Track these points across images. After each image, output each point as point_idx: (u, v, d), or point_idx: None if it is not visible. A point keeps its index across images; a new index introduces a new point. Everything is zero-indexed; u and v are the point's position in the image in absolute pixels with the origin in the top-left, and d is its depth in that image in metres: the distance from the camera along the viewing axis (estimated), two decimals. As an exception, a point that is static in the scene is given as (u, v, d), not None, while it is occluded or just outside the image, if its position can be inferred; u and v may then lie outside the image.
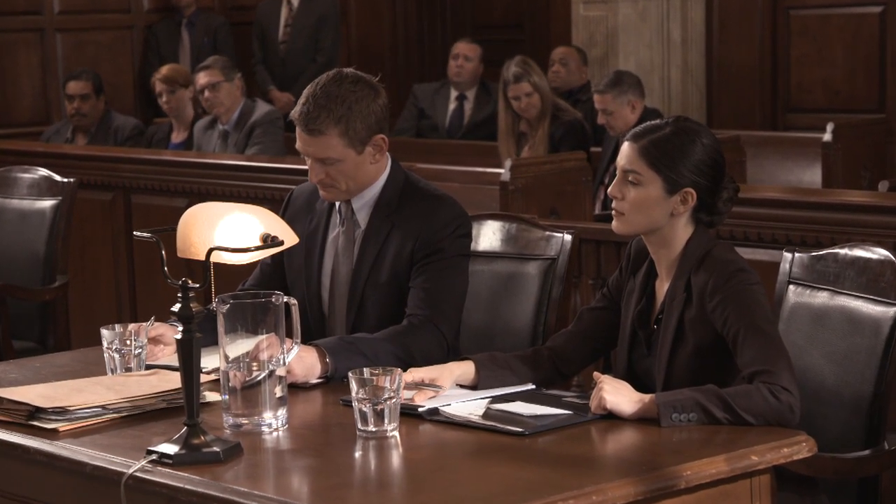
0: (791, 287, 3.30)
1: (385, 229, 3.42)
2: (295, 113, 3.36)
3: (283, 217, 3.50)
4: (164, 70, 7.71)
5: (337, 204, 3.49)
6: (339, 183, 3.38)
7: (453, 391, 3.01)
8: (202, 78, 7.20)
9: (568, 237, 3.57)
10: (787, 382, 2.80)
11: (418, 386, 2.97)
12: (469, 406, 2.91)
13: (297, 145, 3.40)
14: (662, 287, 3.07)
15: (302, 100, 3.35)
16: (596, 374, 2.92)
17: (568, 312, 3.62)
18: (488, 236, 3.66)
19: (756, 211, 4.44)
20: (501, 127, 6.95)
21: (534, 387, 3.08)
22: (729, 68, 8.93)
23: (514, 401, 2.95)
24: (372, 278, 3.42)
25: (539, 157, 6.41)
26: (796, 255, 3.32)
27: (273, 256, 3.46)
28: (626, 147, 3.04)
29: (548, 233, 3.61)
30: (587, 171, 6.06)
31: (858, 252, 3.19)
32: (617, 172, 3.06)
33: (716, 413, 2.76)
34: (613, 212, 3.05)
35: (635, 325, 3.10)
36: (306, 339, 3.25)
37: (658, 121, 3.08)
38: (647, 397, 2.81)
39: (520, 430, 2.74)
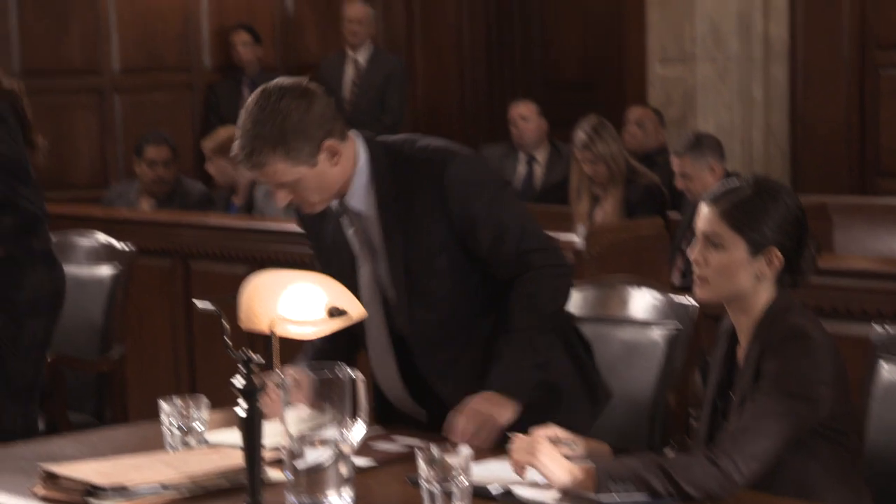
0: (883, 363, 3.26)
1: (399, 213, 3.39)
2: (233, 151, 3.33)
3: (307, 230, 3.58)
4: (204, 141, 7.79)
5: (334, 206, 3.44)
6: (310, 197, 3.35)
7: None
8: None
9: (696, 305, 3.57)
10: (740, 458, 2.78)
11: (556, 441, 2.98)
12: (545, 492, 2.89)
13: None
14: (742, 354, 3.06)
15: (236, 135, 3.32)
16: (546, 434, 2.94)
17: (690, 384, 3.60)
18: (615, 300, 3.65)
19: (844, 282, 4.41)
20: (572, 187, 6.95)
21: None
22: (814, 130, 8.89)
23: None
24: (415, 266, 3.40)
25: (615, 223, 6.41)
26: (888, 328, 3.28)
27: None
28: (705, 209, 3.04)
29: (676, 299, 3.61)
30: (665, 238, 6.05)
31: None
32: (697, 237, 3.06)
33: (655, 484, 2.75)
34: (696, 278, 3.05)
35: (715, 395, 3.09)
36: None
37: (735, 181, 3.08)
38: (585, 468, 2.80)
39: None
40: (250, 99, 3.33)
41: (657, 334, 3.58)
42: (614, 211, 6.73)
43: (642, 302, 3.65)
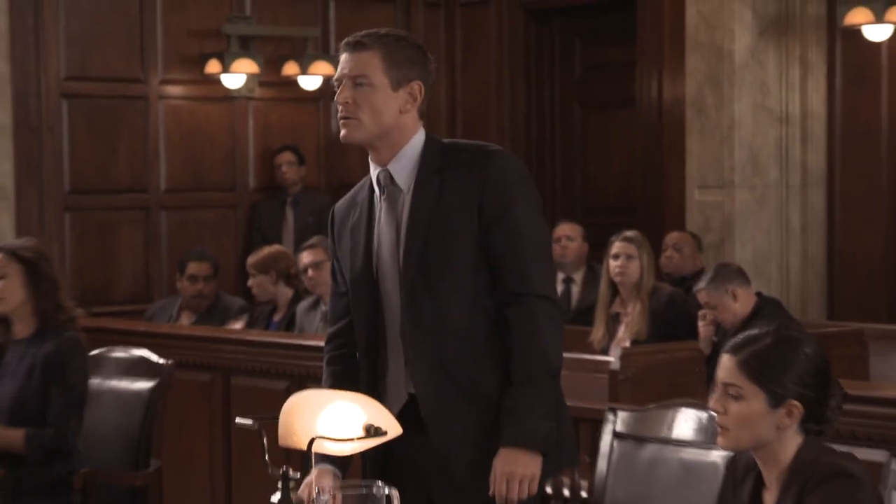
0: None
1: (434, 185, 3.43)
2: (342, 43, 3.45)
3: (332, 233, 3.61)
4: (249, 258, 7.90)
5: (374, 173, 3.49)
6: (363, 112, 3.40)
7: None
8: (306, 257, 7.34)
9: None
10: None
11: None
12: None
13: (335, 76, 3.45)
14: (770, 498, 3.03)
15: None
16: None
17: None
18: (681, 424, 3.64)
19: (879, 410, 4.39)
20: (601, 295, 6.92)
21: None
22: (852, 257, 8.90)
23: None
24: (432, 237, 3.41)
25: (651, 347, 6.42)
26: None
27: (339, 283, 3.57)
28: (725, 359, 3.03)
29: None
30: (699, 362, 6.06)
31: None
32: (717, 385, 3.04)
33: None
34: (717, 426, 3.04)
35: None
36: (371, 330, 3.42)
37: (757, 331, 3.06)
38: None
39: None
40: None
41: (717, 456, 3.53)
42: (641, 324, 6.68)
43: (699, 423, 3.62)
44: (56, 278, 4.94)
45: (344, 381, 3.54)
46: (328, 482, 3.30)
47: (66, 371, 4.81)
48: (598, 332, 6.73)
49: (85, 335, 4.98)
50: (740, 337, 3.06)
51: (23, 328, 4.93)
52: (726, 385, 3.01)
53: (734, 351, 3.02)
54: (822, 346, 3.06)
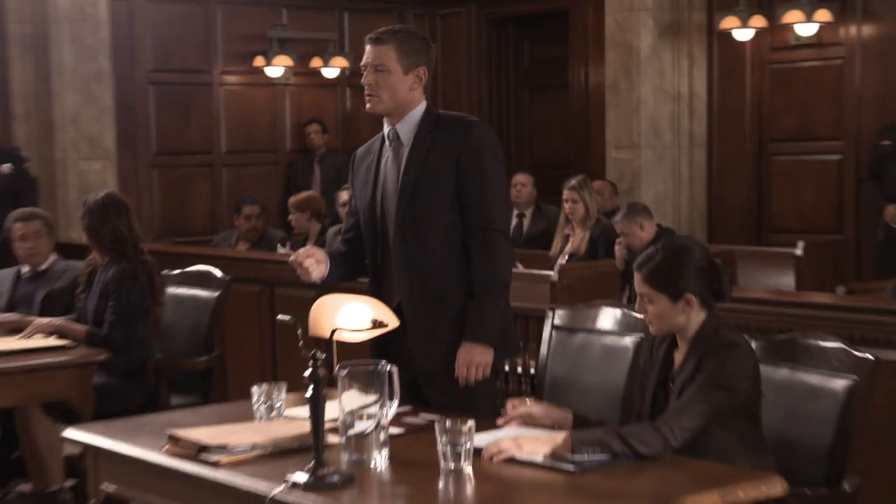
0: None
1: (427, 142, 3.45)
2: (367, 38, 3.47)
3: (351, 170, 3.64)
4: (291, 199, 7.89)
5: (385, 130, 3.52)
6: (382, 92, 3.41)
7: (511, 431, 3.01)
8: (344, 195, 7.40)
9: None
10: (677, 428, 2.81)
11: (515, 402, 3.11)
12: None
13: (361, 63, 3.47)
14: (679, 356, 3.07)
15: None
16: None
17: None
18: (603, 318, 3.64)
19: (744, 307, 4.44)
20: (560, 223, 7.04)
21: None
22: (725, 200, 8.94)
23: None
24: (421, 179, 3.43)
25: (581, 264, 6.45)
26: (760, 339, 3.23)
27: (352, 206, 3.61)
28: (636, 275, 3.06)
29: (641, 316, 3.60)
30: (615, 275, 6.08)
31: (817, 340, 3.14)
32: (638, 294, 3.07)
33: (614, 446, 2.77)
34: (647, 322, 3.08)
35: (657, 388, 3.09)
36: (372, 243, 3.48)
37: (652, 248, 3.08)
38: (563, 436, 2.80)
39: (571, 468, 2.73)
40: None
41: (628, 341, 3.56)
42: (582, 245, 6.80)
43: (622, 319, 3.63)
44: (115, 222, 4.81)
45: (345, 257, 3.58)
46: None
47: (116, 293, 4.76)
48: (555, 248, 6.94)
49: (151, 262, 4.88)
50: (642, 256, 3.08)
51: (101, 258, 4.90)
52: (640, 294, 3.04)
53: (639, 268, 3.05)
54: (704, 247, 3.08)
